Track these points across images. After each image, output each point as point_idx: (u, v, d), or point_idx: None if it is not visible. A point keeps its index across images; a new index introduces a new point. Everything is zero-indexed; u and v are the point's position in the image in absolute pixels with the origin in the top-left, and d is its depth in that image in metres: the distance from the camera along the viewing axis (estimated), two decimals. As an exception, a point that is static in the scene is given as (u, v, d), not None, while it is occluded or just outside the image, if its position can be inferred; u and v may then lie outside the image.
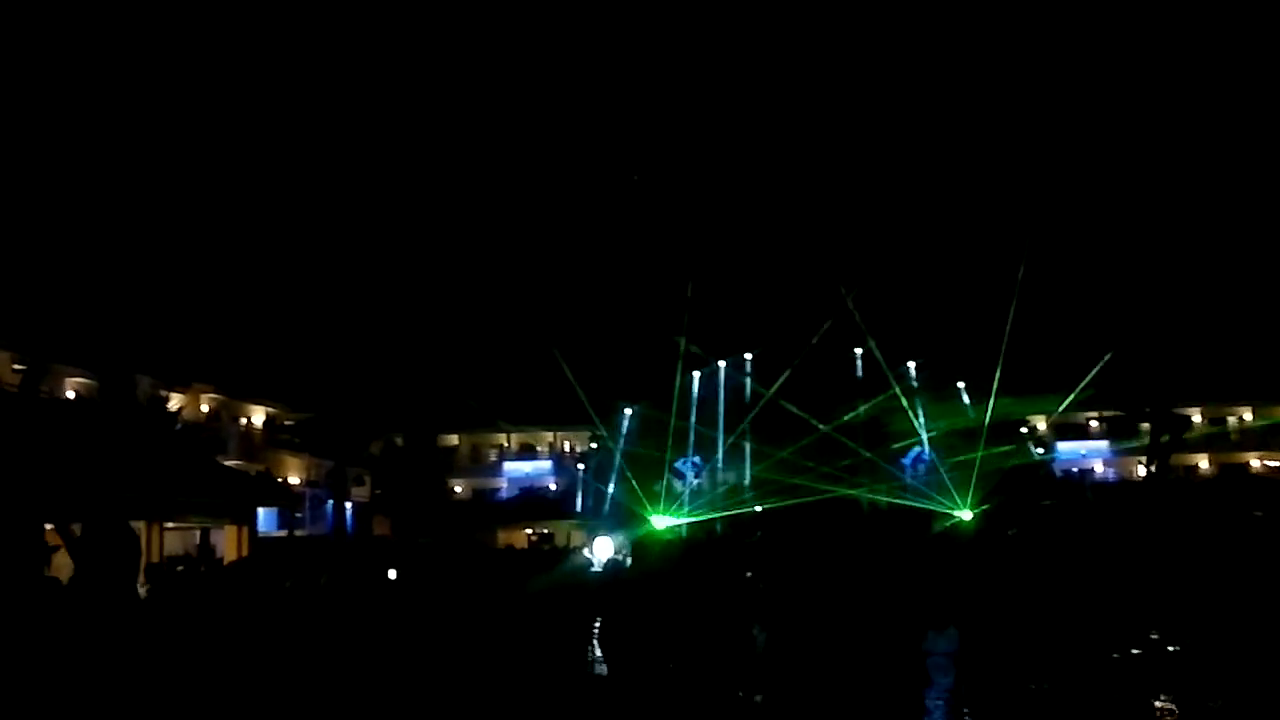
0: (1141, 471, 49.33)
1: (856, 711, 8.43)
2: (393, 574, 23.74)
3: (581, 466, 54.75)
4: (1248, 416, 56.36)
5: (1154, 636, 11.46)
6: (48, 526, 13.40)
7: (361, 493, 49.09)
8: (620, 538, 42.39)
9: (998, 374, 42.31)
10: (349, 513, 43.76)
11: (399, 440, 51.37)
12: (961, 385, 51.34)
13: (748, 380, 51.81)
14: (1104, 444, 57.25)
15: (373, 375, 48.08)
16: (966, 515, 43.29)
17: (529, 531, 51.81)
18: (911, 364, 50.95)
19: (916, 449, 51.36)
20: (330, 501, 42.83)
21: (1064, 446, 56.90)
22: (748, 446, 51.65)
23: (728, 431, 51.54)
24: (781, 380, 47.19)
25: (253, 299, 47.58)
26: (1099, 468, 57.15)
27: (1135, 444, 51.35)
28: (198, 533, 29.12)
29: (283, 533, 36.31)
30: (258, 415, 46.69)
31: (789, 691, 8.70)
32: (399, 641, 11.19)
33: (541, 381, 49.44)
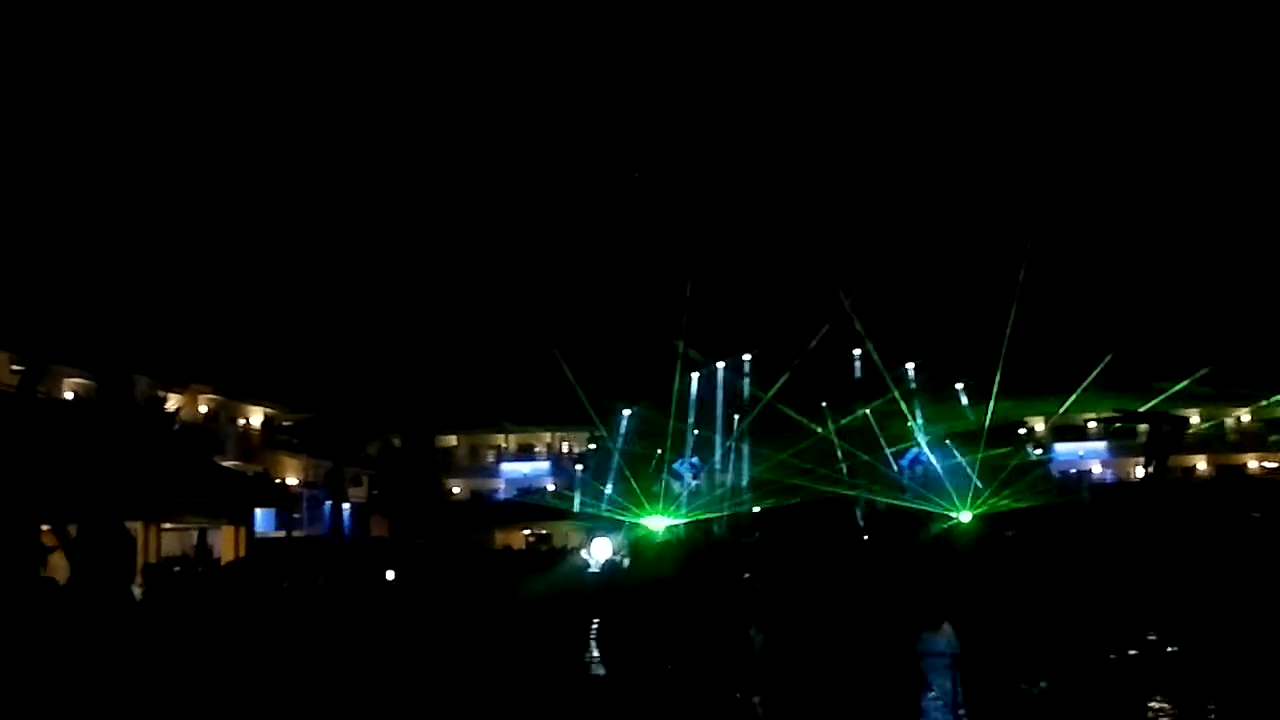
0: (1139, 472, 49.32)
1: (853, 712, 8.43)
2: (390, 575, 23.73)
3: (580, 467, 54.74)
4: (1245, 418, 56.41)
5: (1152, 637, 11.47)
6: (44, 528, 13.38)
7: (359, 493, 49.07)
8: (618, 539, 42.40)
9: (997, 375, 42.31)
10: (347, 513, 43.73)
11: (397, 441, 51.35)
12: (960, 386, 51.35)
13: (746, 381, 51.79)
14: (1101, 445, 57.30)
15: (371, 376, 48.06)
16: (965, 517, 43.29)
17: (527, 532, 51.81)
18: (910, 365, 50.91)
19: (914, 450, 51.34)
20: (328, 502, 42.78)
21: (1061, 447, 56.94)
22: (746, 448, 51.65)
23: (726, 433, 51.54)
24: (780, 382, 47.18)
25: (251, 300, 47.55)
26: (1097, 469, 57.18)
27: (1131, 441, 51.38)
28: (195, 533, 29.11)
29: (281, 533, 36.27)
30: (256, 416, 46.64)
31: (786, 692, 8.70)
32: (397, 642, 11.18)
33: (539, 382, 49.45)
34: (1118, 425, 53.55)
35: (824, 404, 50.41)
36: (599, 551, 39.97)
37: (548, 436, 60.45)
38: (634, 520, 45.01)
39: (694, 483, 52.41)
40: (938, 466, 49.57)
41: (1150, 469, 41.17)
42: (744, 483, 50.57)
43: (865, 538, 35.95)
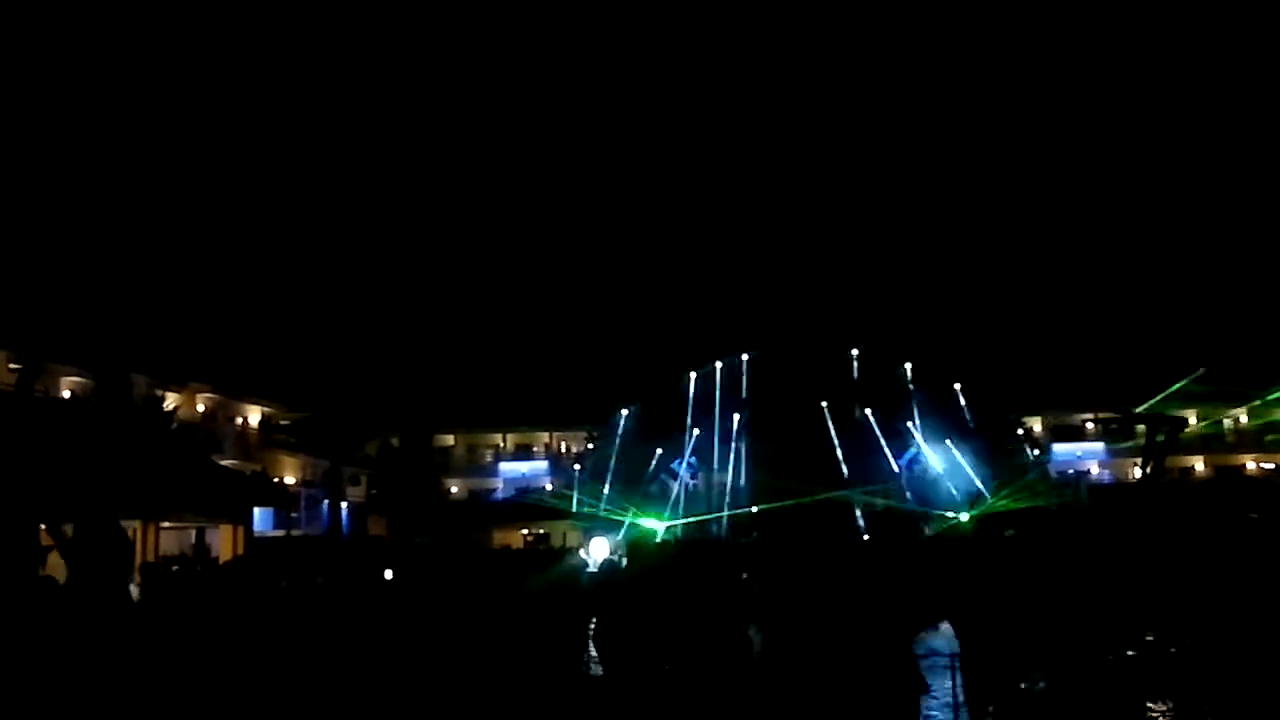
0: (1137, 473, 49.35)
1: (853, 713, 8.43)
2: (389, 574, 23.70)
3: (578, 467, 54.73)
4: (1243, 419, 56.44)
5: (1149, 638, 11.47)
6: (40, 527, 13.37)
7: (357, 493, 49.02)
8: (616, 538, 42.38)
9: (997, 377, 42.36)
10: (345, 513, 43.68)
11: (395, 440, 51.32)
12: (959, 388, 51.35)
13: (744, 382, 51.75)
14: (1099, 446, 57.33)
15: (369, 375, 48.08)
16: (964, 517, 43.34)
17: (525, 532, 51.75)
18: (908, 366, 50.87)
19: (913, 451, 51.38)
20: (326, 501, 42.75)
21: (1059, 448, 56.98)
22: (744, 448, 51.62)
23: (725, 433, 51.52)
24: (780, 385, 47.19)
25: (249, 299, 47.55)
26: (1094, 469, 57.21)
27: (1131, 445, 51.39)
28: (193, 532, 29.08)
29: (279, 532, 36.24)
30: (254, 415, 46.61)
31: (785, 693, 8.71)
32: (395, 641, 11.17)
33: (538, 382, 49.49)
34: (1114, 427, 53.62)
35: (824, 404, 50.43)
36: (597, 551, 39.96)
37: (546, 436, 60.43)
38: (632, 520, 45.00)
39: (691, 483, 52.41)
40: (937, 467, 49.64)
41: (1148, 470, 41.19)
42: (742, 483, 50.55)
43: (865, 538, 35.95)
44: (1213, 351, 46.41)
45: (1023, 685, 9.73)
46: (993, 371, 42.73)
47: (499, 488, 58.35)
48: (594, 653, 11.89)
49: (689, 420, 51.27)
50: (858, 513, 47.06)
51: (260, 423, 47.01)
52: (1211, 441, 55.47)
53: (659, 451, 50.87)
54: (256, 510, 28.56)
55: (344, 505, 43.61)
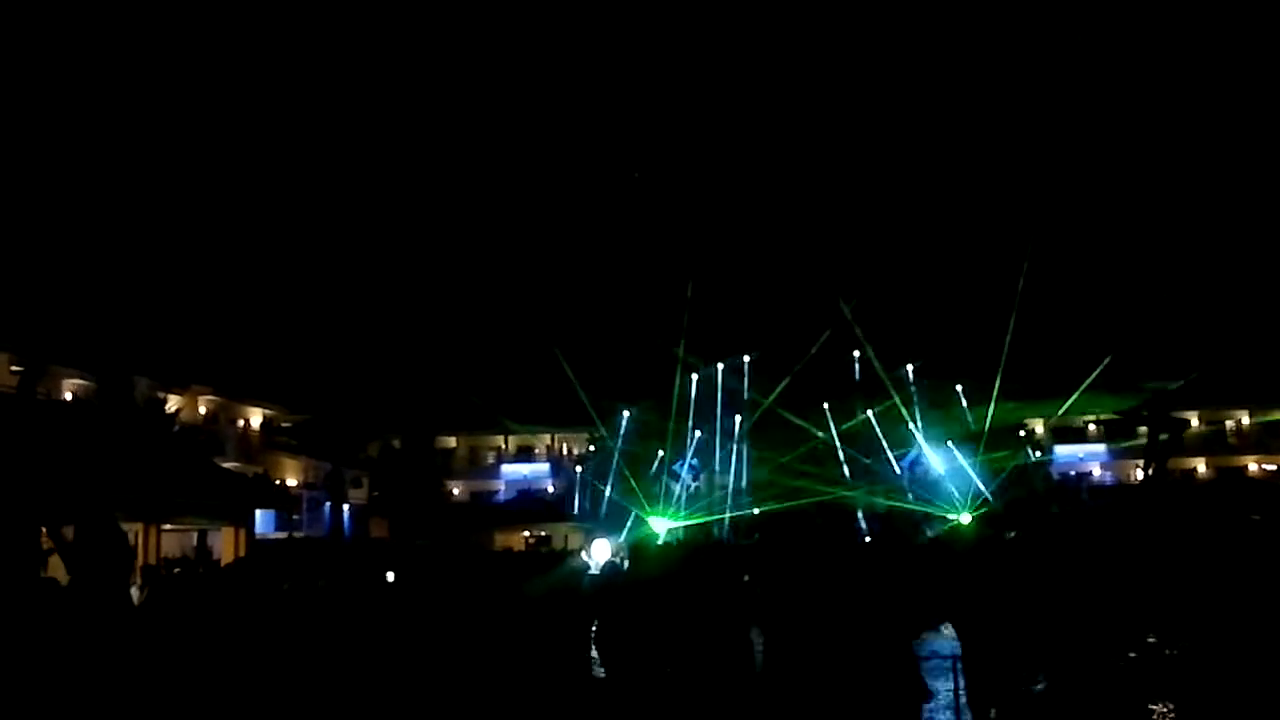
0: (1139, 474, 49.35)
1: (855, 716, 8.44)
2: (391, 576, 23.71)
3: (579, 469, 54.76)
4: (1245, 420, 56.44)
5: (1151, 640, 11.46)
6: (41, 529, 13.39)
7: (359, 495, 49.07)
8: (618, 540, 42.37)
9: (998, 378, 42.36)
10: (346, 515, 43.75)
11: (397, 442, 51.35)
12: (960, 388, 51.35)
13: (745, 383, 51.76)
14: (1101, 447, 57.30)
15: (370, 377, 48.09)
16: (965, 519, 43.34)
17: (526, 534, 51.80)
18: (909, 366, 50.84)
19: (914, 452, 51.39)
20: (328, 503, 42.80)
21: (1061, 449, 56.95)
22: (746, 449, 51.64)
23: (726, 435, 51.53)
24: (781, 387, 47.19)
25: (251, 301, 47.59)
26: (1096, 471, 57.19)
27: (1131, 442, 51.39)
28: (195, 534, 29.12)
29: (281, 535, 36.28)
30: (255, 417, 46.66)
31: (787, 696, 8.71)
32: (398, 643, 11.17)
33: (539, 383, 49.51)
34: (1120, 425, 53.61)
35: (825, 405, 50.44)
36: (599, 553, 39.95)
37: (547, 438, 60.43)
38: (635, 522, 45.01)
39: (693, 484, 52.43)
40: (938, 468, 49.65)
41: (1150, 471, 41.19)
42: (744, 485, 50.58)
43: (867, 540, 35.91)
44: (1212, 352, 46.42)
45: (1032, 687, 9.72)
46: (993, 373, 42.71)
47: (501, 489, 58.38)
48: (596, 654, 11.89)
49: (690, 422, 51.28)
50: (859, 514, 47.09)
51: (262, 425, 47.07)
52: (1214, 443, 55.48)
53: (660, 453, 50.90)
54: (258, 512, 28.59)
55: (346, 507, 43.69)
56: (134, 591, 17.13)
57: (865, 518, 45.67)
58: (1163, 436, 39.43)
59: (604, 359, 47.76)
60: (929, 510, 46.32)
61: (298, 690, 9.36)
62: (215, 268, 46.36)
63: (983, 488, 46.63)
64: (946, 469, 49.36)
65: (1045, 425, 57.52)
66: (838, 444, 50.25)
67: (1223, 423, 56.45)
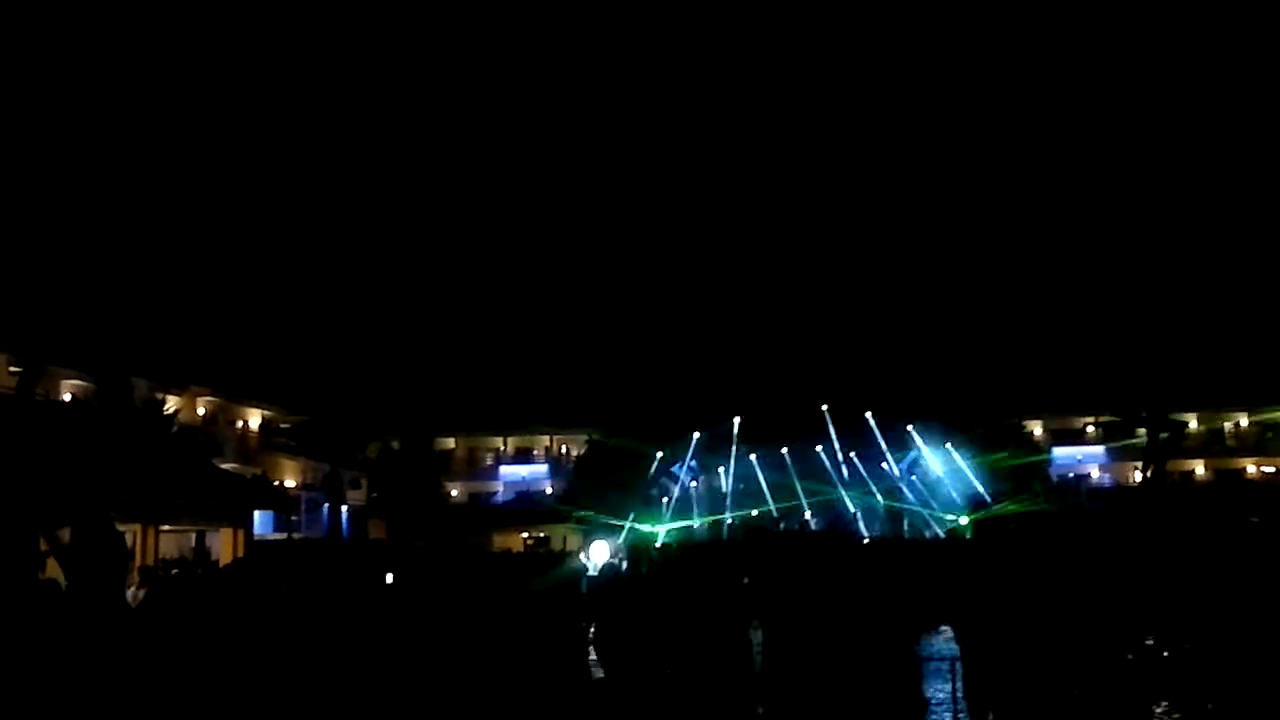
0: (1137, 476, 49.35)
1: (855, 717, 8.44)
2: (390, 578, 23.69)
3: (578, 470, 54.74)
4: (1243, 422, 56.45)
5: (1149, 642, 11.46)
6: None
7: (358, 496, 49.04)
8: (616, 542, 42.36)
9: (997, 380, 42.36)
10: (345, 516, 43.69)
11: (395, 444, 51.33)
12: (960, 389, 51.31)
13: (734, 445, 51.57)
14: (1100, 449, 57.28)
15: (369, 379, 48.07)
16: (964, 521, 43.38)
17: (525, 535, 51.76)
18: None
19: (912, 454, 51.40)
20: (326, 505, 42.74)
21: (1060, 451, 56.94)
22: (742, 449, 51.64)
23: (725, 437, 51.54)
24: (780, 396, 47.23)
25: (250, 302, 47.58)
26: (1095, 473, 57.18)
27: (1129, 441, 51.35)
28: (193, 535, 29.08)
29: (279, 536, 36.24)
30: (254, 418, 46.63)
31: (787, 698, 8.71)
32: (395, 645, 11.16)
33: (538, 385, 49.52)
34: (1119, 427, 53.61)
35: (824, 407, 50.45)
36: (597, 555, 39.94)
37: (546, 439, 60.40)
38: (634, 524, 45.02)
39: (692, 486, 52.44)
40: (937, 470, 49.67)
41: (1148, 473, 41.19)
42: (741, 487, 50.58)
43: (865, 541, 35.87)
44: (1212, 353, 46.46)
45: (1023, 688, 9.71)
46: (993, 374, 42.76)
47: (499, 491, 58.35)
48: (595, 656, 11.89)
49: (690, 423, 51.29)
50: (859, 517, 47.12)
51: (261, 426, 47.04)
52: (1212, 445, 55.49)
53: (659, 455, 50.90)
54: (257, 513, 28.55)
55: (344, 508, 43.63)
56: (133, 592, 17.12)
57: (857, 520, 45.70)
58: (1162, 435, 39.42)
59: (604, 361, 47.79)
60: (926, 513, 46.38)
61: (297, 692, 9.35)
62: (214, 268, 46.37)
63: (981, 489, 46.66)
64: (945, 472, 49.40)
65: (1044, 427, 57.54)
66: (837, 446, 50.26)
67: (1221, 425, 56.47)
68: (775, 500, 47.57)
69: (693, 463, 52.41)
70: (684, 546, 36.47)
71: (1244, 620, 10.31)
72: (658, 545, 37.81)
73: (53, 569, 12.81)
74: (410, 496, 48.20)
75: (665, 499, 50.27)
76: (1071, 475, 55.31)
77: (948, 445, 49.72)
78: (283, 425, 48.44)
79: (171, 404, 37.44)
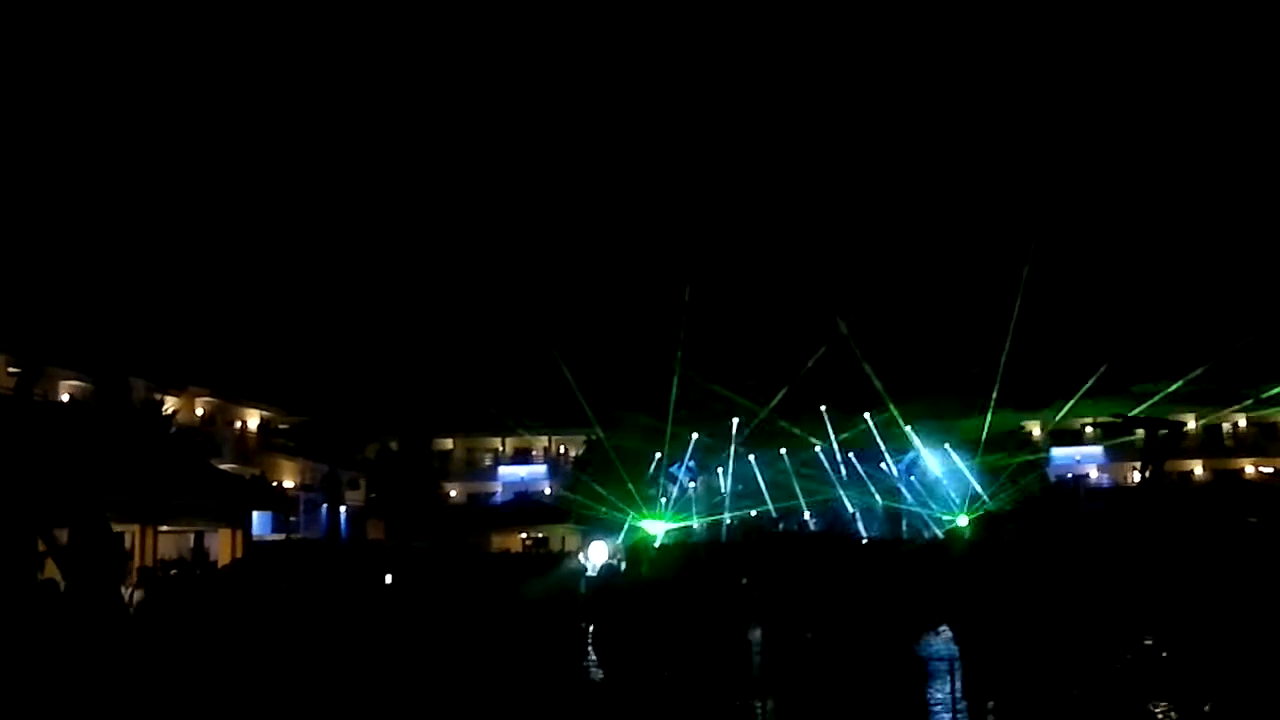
0: (1136, 476, 49.33)
1: (855, 717, 8.44)
2: (389, 579, 23.67)
3: (577, 471, 54.72)
4: (1242, 422, 56.47)
5: (1148, 642, 11.46)
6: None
7: (356, 496, 49.00)
8: (615, 542, 42.37)
9: (997, 381, 42.36)
10: (343, 517, 43.65)
11: (394, 444, 51.30)
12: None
13: (733, 445, 51.52)
14: (1098, 449, 57.29)
15: (368, 379, 48.05)
16: (962, 521, 43.38)
17: (524, 535, 51.75)
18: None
19: (911, 454, 51.40)
20: (325, 505, 42.71)
21: (1058, 451, 56.96)
22: (741, 450, 51.64)
23: (724, 438, 51.53)
24: (780, 397, 47.20)
25: (248, 302, 47.56)
26: (1093, 473, 57.20)
27: (1125, 438, 51.29)
28: (192, 536, 29.07)
29: (278, 536, 36.23)
30: (253, 419, 46.58)
31: (787, 698, 8.71)
32: (395, 646, 11.17)
33: (537, 386, 49.49)
34: (1117, 428, 53.58)
35: (823, 408, 50.41)
36: (596, 555, 39.95)
37: (544, 440, 60.39)
38: (633, 525, 45.01)
39: (691, 486, 52.42)
40: (935, 471, 49.68)
41: (1147, 473, 41.12)
42: (740, 488, 50.56)
43: (864, 542, 35.90)
44: (1213, 352, 46.43)
45: (1022, 688, 9.72)
46: (992, 374, 42.72)
47: (498, 491, 58.33)
48: (593, 657, 11.88)
49: (689, 424, 51.24)
50: (857, 516, 47.13)
51: (259, 427, 47.00)
52: (1210, 445, 55.49)
53: (658, 455, 50.90)
54: (255, 514, 28.56)
55: (343, 509, 43.60)
56: (130, 593, 17.10)
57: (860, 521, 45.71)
58: (1161, 432, 39.41)
59: (603, 363, 47.76)
60: (925, 512, 46.39)
61: (296, 691, 9.35)
62: (212, 269, 46.36)
63: (980, 490, 46.67)
64: (944, 471, 49.41)
65: (1042, 427, 57.55)
66: (836, 446, 50.24)
67: (1219, 425, 56.46)
68: (774, 500, 47.58)
69: (692, 463, 52.40)
70: (683, 547, 36.47)
71: (1243, 620, 10.31)
72: (657, 545, 37.79)
73: (52, 569, 12.80)
74: (409, 497, 48.18)
75: (664, 499, 50.25)
76: (1070, 475, 55.30)
77: (946, 445, 49.75)
78: (281, 426, 48.40)
79: (170, 404, 37.42)
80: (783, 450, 50.36)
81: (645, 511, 46.20)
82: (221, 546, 24.88)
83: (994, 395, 43.06)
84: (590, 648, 12.59)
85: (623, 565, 33.02)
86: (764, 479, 49.34)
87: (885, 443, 50.28)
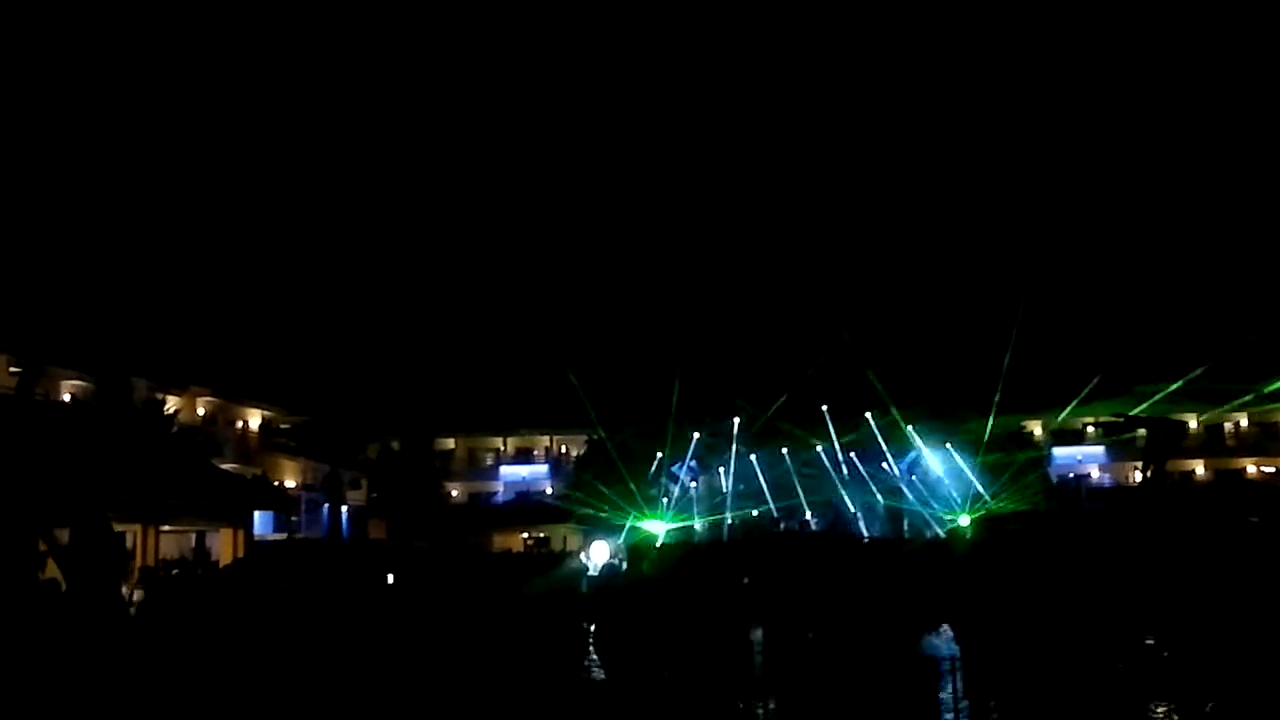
0: (1137, 476, 49.29)
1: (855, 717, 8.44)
2: (390, 578, 23.69)
3: (579, 471, 54.66)
4: (1244, 422, 56.38)
5: (1149, 642, 11.46)
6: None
7: (358, 496, 49.02)
8: (616, 542, 42.33)
9: (999, 383, 42.28)
10: (345, 516, 43.66)
11: (395, 444, 51.29)
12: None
13: (734, 444, 51.45)
14: (1099, 449, 57.19)
15: (369, 379, 48.09)
16: (964, 521, 43.33)
17: (525, 535, 51.70)
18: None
19: (913, 454, 51.31)
20: (326, 505, 42.73)
21: (1060, 451, 56.87)
22: (742, 449, 51.56)
23: (725, 437, 51.45)
24: (780, 402, 47.16)
25: (250, 302, 47.61)
26: (1095, 472, 57.11)
27: (1126, 435, 51.20)
28: (194, 535, 29.10)
29: (279, 536, 36.24)
30: (254, 418, 46.60)
31: (788, 698, 8.70)
32: (396, 645, 11.17)
33: (538, 385, 49.51)
34: (1119, 427, 53.52)
35: (824, 408, 50.32)
36: (597, 555, 39.91)
37: (546, 440, 60.37)
38: (634, 524, 44.97)
39: (692, 486, 52.36)
40: (937, 470, 49.60)
41: (1148, 473, 41.09)
42: (741, 488, 50.49)
43: (865, 542, 35.91)
44: (1213, 352, 46.39)
45: (1022, 688, 9.71)
46: (992, 374, 42.67)
47: (499, 491, 58.31)
48: (595, 656, 11.88)
49: (690, 423, 51.16)
50: (859, 516, 47.08)
51: (261, 426, 47.02)
52: (1212, 444, 55.41)
53: (660, 455, 50.84)
54: (257, 514, 28.56)
55: (344, 509, 43.62)
56: (130, 592, 17.11)
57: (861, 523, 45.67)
58: (1161, 433, 39.32)
59: (604, 362, 47.75)
60: (927, 512, 46.33)
61: (297, 691, 9.36)
62: (214, 269, 46.39)
63: (982, 490, 46.61)
64: (945, 471, 49.33)
65: (1043, 427, 57.45)
66: (837, 447, 50.16)
67: (1221, 424, 56.37)
68: (775, 500, 47.50)
69: (693, 463, 52.33)
70: (684, 547, 36.44)
71: (1243, 620, 10.31)
72: (658, 545, 37.74)
73: (53, 569, 12.81)
74: (410, 497, 48.18)
75: (665, 499, 50.19)
76: (1071, 475, 55.20)
77: (948, 445, 49.65)
78: (283, 426, 48.42)
79: (171, 404, 37.45)
80: (784, 450, 50.29)
81: (647, 511, 46.15)
82: (223, 546, 24.90)
83: (996, 399, 42.99)
84: (592, 647, 12.58)
85: (624, 565, 33.00)
86: (765, 478, 49.26)
87: (887, 443, 50.19)
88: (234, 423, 45.01)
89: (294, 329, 46.70)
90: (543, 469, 59.13)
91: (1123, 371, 45.88)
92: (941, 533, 43.34)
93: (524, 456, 60.46)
